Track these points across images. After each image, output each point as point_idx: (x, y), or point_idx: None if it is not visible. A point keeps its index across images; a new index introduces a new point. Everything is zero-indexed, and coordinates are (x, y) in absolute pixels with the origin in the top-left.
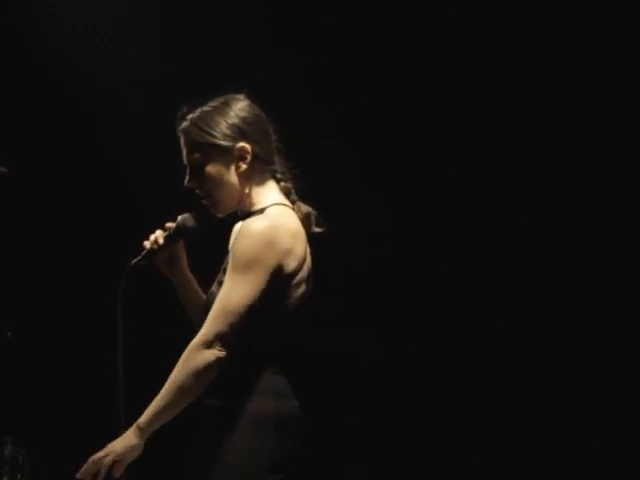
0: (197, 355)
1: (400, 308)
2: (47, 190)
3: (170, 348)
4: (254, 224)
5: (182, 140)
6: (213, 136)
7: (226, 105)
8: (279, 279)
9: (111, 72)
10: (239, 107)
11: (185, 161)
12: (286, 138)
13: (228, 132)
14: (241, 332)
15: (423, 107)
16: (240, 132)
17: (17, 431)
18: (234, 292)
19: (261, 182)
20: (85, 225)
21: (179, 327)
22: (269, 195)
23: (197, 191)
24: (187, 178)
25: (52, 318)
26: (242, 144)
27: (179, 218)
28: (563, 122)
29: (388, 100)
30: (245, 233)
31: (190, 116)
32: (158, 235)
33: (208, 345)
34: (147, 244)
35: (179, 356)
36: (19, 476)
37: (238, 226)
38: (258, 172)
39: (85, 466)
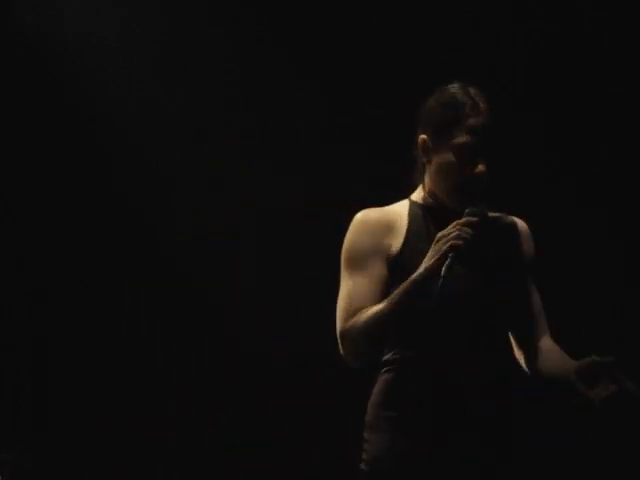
0: None
1: None
2: (47, 190)
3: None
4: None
5: (481, 120)
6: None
7: None
8: None
9: (111, 72)
10: None
11: (481, 145)
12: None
13: None
14: None
15: None
16: None
17: (16, 432)
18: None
19: None
20: (86, 225)
21: None
22: None
23: (481, 179)
24: (485, 163)
25: (51, 317)
26: None
27: (476, 209)
28: (564, 124)
29: (391, 102)
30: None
31: (483, 99)
32: (467, 230)
33: None
34: (455, 242)
35: None
36: (18, 477)
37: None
38: None
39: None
